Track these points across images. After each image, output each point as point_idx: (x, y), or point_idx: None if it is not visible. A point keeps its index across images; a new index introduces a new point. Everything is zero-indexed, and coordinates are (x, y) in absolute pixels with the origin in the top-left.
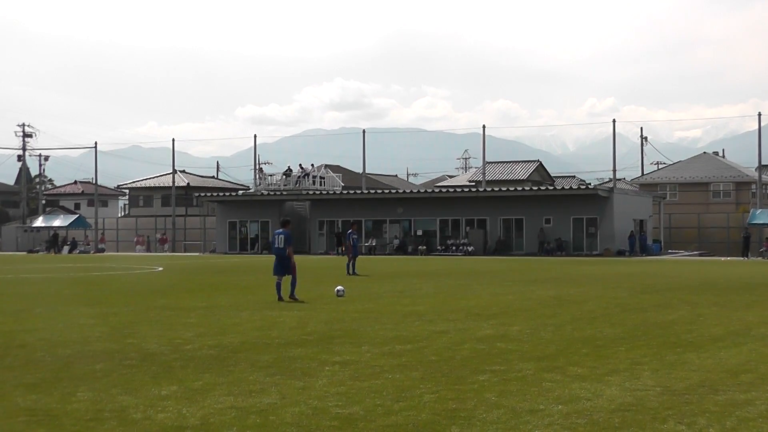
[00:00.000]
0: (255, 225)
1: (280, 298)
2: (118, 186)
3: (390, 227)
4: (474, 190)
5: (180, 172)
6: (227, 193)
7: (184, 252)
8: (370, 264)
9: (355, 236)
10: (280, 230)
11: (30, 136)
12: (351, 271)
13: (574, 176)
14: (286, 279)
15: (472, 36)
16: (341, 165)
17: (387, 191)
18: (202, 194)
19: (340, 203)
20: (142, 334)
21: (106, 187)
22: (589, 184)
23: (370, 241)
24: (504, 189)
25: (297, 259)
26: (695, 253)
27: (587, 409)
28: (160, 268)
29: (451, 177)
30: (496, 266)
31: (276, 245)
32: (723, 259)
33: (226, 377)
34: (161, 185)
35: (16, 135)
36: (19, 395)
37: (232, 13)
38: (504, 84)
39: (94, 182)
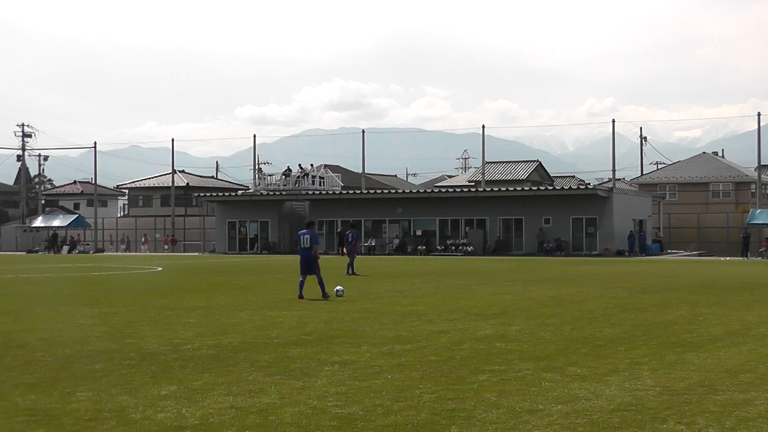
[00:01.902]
0: (254, 225)
1: (301, 296)
2: (118, 186)
3: (389, 227)
4: (473, 190)
5: (179, 172)
6: (226, 193)
7: (184, 252)
8: (369, 264)
9: (355, 236)
10: (305, 231)
11: (29, 136)
12: (350, 271)
13: (574, 176)
14: (310, 279)
15: (472, 36)
16: (341, 165)
17: (386, 191)
18: (202, 194)
19: (340, 203)
20: (142, 333)
21: (106, 187)
22: (589, 184)
23: (369, 241)
24: (503, 189)
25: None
26: (695, 253)
27: (586, 409)
28: (160, 268)
29: (450, 177)
30: (496, 266)
31: (302, 245)
32: (723, 259)
33: (225, 377)
34: (160, 185)
35: (15, 135)
36: (19, 395)
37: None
38: (503, 84)
39: (93, 182)
